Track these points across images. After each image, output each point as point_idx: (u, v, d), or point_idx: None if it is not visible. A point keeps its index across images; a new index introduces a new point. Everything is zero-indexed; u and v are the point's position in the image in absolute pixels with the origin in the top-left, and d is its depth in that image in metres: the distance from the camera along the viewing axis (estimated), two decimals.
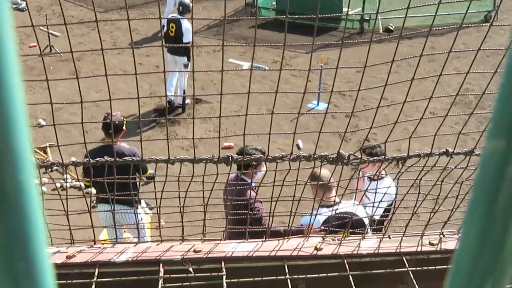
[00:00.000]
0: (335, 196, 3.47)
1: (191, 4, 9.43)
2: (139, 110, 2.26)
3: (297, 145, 8.91)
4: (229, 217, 2.80)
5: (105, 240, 5.22)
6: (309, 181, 3.66)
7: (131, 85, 10.05)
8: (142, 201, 5.36)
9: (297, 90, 10.63)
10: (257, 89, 9.91)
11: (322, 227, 3.32)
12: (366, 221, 3.58)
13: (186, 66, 9.25)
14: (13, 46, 0.34)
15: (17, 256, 0.36)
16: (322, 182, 3.85)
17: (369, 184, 4.00)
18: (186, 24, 8.99)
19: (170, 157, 2.01)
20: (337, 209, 3.54)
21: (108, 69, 2.08)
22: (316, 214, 2.47)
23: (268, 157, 2.05)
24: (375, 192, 2.45)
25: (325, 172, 4.11)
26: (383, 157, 2.15)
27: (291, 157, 2.06)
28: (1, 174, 0.34)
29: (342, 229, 3.52)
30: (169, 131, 8.98)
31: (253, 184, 3.70)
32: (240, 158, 2.06)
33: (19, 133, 0.35)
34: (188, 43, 9.12)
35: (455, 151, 2.10)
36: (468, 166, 2.18)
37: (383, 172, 4.29)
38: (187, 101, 10.05)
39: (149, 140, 7.85)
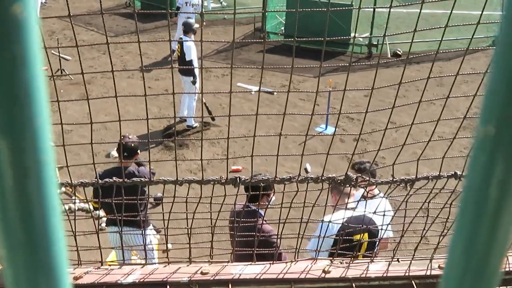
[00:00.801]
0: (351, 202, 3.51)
1: (194, 24, 9.62)
2: (147, 132, 2.27)
3: (305, 169, 8.90)
4: (238, 250, 2.77)
5: (112, 261, 5.21)
6: (330, 190, 3.69)
7: (140, 108, 10.13)
8: (150, 224, 5.36)
9: (305, 114, 10.64)
10: (265, 112, 9.95)
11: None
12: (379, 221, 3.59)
13: (193, 83, 9.36)
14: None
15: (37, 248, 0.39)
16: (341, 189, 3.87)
17: (366, 203, 4.00)
18: (188, 43, 9.19)
19: (178, 179, 2.02)
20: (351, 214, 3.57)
21: (118, 92, 2.10)
22: (324, 235, 2.45)
23: (276, 178, 2.05)
24: (386, 214, 2.44)
25: None
26: (391, 179, 2.14)
27: (299, 179, 2.06)
28: (24, 154, 0.38)
29: (357, 232, 3.53)
30: (177, 154, 9.01)
31: (262, 213, 3.67)
32: (247, 179, 2.07)
33: (41, 116, 0.39)
34: (190, 61, 9.27)
35: (463, 174, 2.09)
36: None
37: (376, 190, 4.25)
38: (196, 124, 10.12)
39: (158, 161, 7.88)
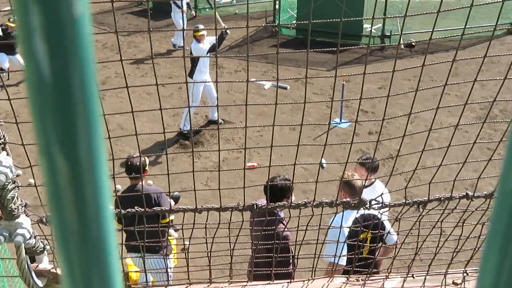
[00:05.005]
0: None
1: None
2: (163, 130, 2.33)
3: (321, 164, 8.95)
4: (256, 249, 2.86)
5: (130, 265, 5.30)
6: (341, 186, 3.80)
7: (154, 107, 10.23)
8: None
9: (319, 109, 10.67)
10: (279, 107, 9.98)
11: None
12: (387, 224, 3.71)
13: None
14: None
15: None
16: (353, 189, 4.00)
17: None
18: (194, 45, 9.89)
19: (197, 206, 2.10)
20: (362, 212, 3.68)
21: (132, 91, 2.15)
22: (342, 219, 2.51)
23: (292, 204, 2.12)
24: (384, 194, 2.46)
25: (358, 182, 4.26)
26: (403, 201, 2.19)
27: (314, 204, 2.13)
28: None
29: (366, 231, 3.66)
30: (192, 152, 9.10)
31: (282, 215, 3.75)
32: (264, 205, 2.14)
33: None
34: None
35: (475, 194, 2.14)
36: (489, 208, 2.20)
37: (372, 178, 4.64)
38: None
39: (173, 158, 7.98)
